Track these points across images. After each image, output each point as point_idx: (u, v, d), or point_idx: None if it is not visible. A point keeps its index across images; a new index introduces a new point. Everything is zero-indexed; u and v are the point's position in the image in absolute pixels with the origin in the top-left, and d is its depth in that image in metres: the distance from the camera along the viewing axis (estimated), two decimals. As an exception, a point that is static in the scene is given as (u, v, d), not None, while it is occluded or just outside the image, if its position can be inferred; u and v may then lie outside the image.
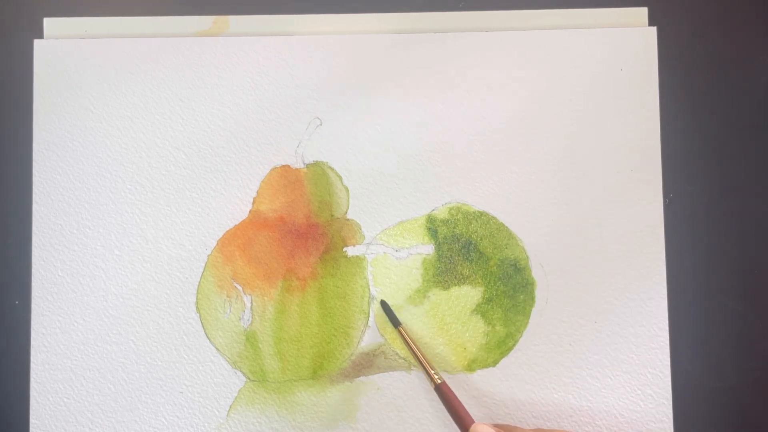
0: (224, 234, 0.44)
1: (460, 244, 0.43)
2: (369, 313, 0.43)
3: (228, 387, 0.43)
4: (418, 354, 0.41)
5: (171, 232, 0.43)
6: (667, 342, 0.43)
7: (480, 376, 0.43)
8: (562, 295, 0.43)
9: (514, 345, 0.43)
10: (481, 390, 0.43)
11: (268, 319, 0.43)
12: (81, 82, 0.44)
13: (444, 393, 0.39)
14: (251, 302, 0.43)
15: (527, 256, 0.43)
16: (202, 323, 0.43)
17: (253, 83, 0.44)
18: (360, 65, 0.44)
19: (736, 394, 0.43)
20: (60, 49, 0.44)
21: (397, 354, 0.43)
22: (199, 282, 0.43)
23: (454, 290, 0.43)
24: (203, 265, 0.43)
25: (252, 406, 0.43)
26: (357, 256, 0.43)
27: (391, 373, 0.43)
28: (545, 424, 0.42)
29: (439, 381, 0.40)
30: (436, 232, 0.44)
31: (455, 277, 0.43)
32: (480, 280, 0.43)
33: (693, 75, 0.45)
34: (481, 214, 0.44)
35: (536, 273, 0.43)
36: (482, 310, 0.43)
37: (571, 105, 0.44)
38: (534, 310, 0.43)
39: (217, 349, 0.43)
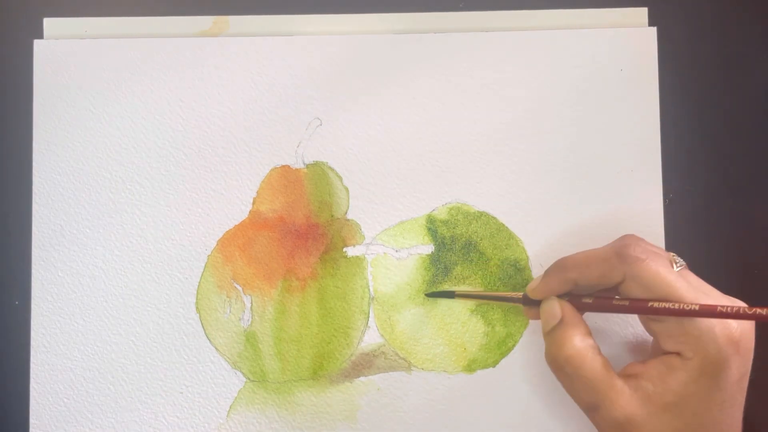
0: (224, 234, 0.44)
1: (460, 244, 0.43)
2: (369, 313, 0.43)
3: (228, 387, 0.43)
4: (490, 295, 0.42)
5: (171, 232, 0.43)
6: (667, 342, 0.43)
7: (480, 376, 0.43)
8: (562, 295, 0.43)
9: (514, 345, 0.43)
10: (481, 390, 0.43)
11: (268, 320, 0.43)
12: (81, 82, 0.44)
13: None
14: (251, 302, 0.43)
15: (528, 257, 0.43)
16: (202, 323, 0.43)
17: (253, 83, 0.44)
18: (360, 65, 0.44)
19: (736, 395, 0.43)
20: (60, 49, 0.44)
21: (397, 354, 0.43)
22: (199, 282, 0.43)
23: (454, 290, 0.43)
24: (203, 265, 0.43)
25: (252, 406, 0.43)
26: (357, 257, 0.43)
27: (391, 373, 0.43)
28: (546, 425, 0.42)
29: (521, 294, 0.40)
30: (436, 232, 0.44)
31: (455, 278, 0.43)
32: (480, 281, 0.43)
33: (693, 75, 0.45)
34: (482, 214, 0.44)
35: (536, 273, 0.43)
36: (482, 310, 0.43)
37: (571, 105, 0.44)
38: (534, 311, 0.43)
39: (217, 349, 0.43)
